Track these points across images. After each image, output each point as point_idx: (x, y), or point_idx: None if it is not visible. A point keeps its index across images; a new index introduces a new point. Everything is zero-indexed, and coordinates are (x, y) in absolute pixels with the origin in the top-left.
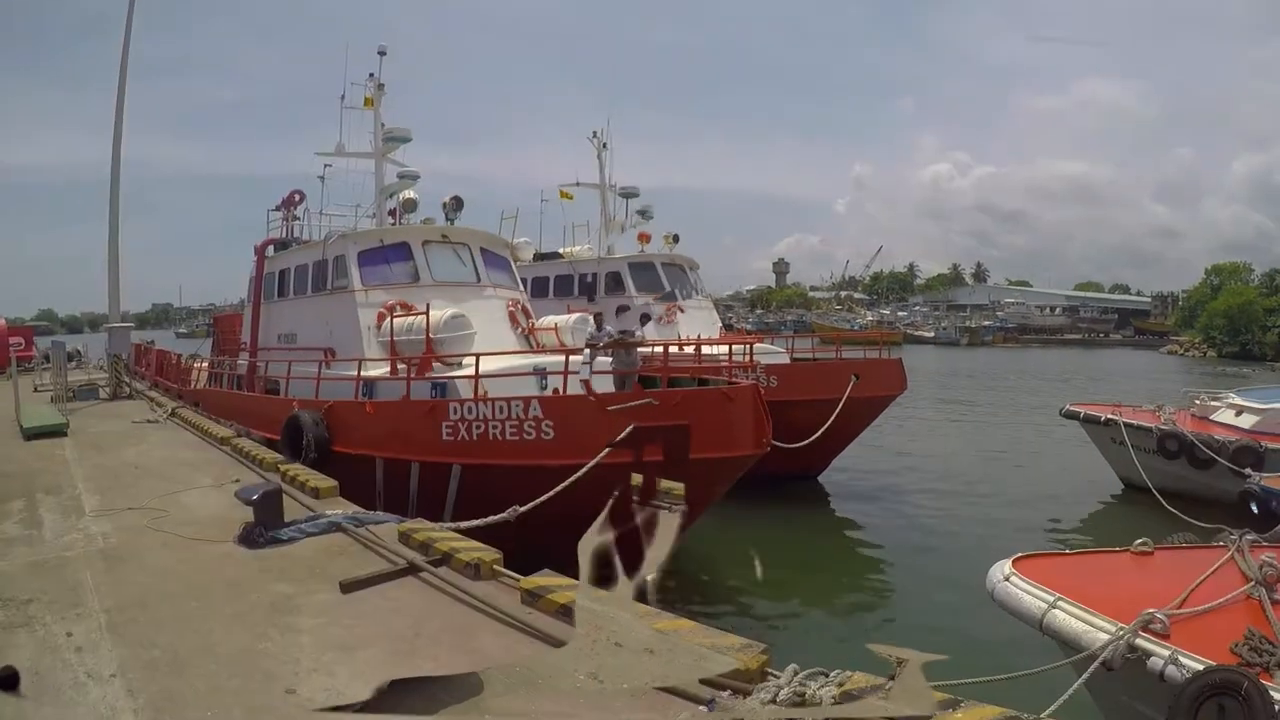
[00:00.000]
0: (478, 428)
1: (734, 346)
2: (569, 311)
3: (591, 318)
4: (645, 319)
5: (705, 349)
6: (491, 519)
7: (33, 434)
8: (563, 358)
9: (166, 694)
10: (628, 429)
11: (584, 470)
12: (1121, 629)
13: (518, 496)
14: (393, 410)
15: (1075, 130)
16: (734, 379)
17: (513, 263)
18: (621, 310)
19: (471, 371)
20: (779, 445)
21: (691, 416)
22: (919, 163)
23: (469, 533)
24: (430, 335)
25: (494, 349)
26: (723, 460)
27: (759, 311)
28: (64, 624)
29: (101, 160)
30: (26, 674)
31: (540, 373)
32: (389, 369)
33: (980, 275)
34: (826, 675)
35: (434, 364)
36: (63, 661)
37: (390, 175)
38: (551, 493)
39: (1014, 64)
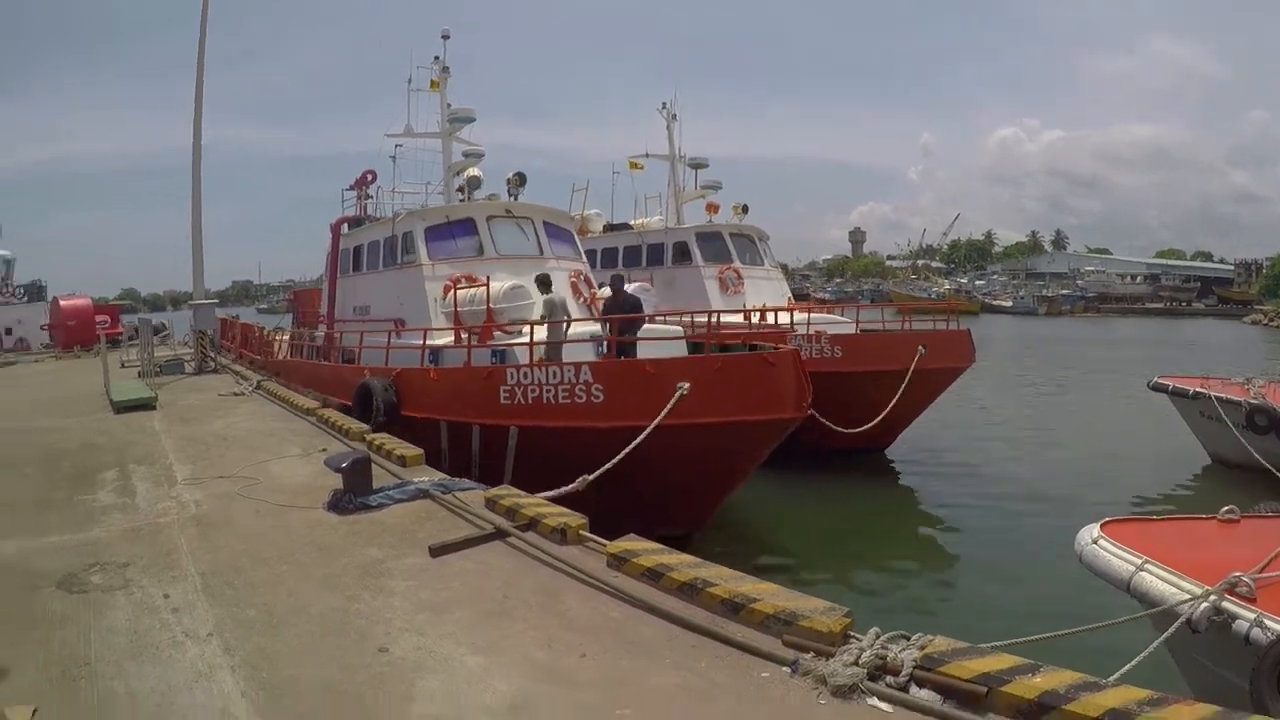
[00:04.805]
0: (533, 392)
1: (771, 316)
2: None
3: (650, 286)
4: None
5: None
6: (561, 490)
7: (123, 407)
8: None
9: (262, 652)
10: (676, 394)
11: (643, 435)
12: (1207, 590)
13: (571, 456)
14: (455, 376)
15: (1145, 93)
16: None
17: (576, 235)
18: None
19: (528, 339)
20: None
21: (734, 380)
22: (986, 128)
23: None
24: (491, 305)
25: None
26: (764, 422)
27: (837, 280)
28: (160, 586)
29: (180, 145)
30: (126, 634)
31: (597, 340)
32: (453, 338)
33: (1059, 243)
34: (908, 638)
35: (496, 333)
36: (161, 622)
37: (457, 153)
38: (618, 458)
39: (1078, 24)
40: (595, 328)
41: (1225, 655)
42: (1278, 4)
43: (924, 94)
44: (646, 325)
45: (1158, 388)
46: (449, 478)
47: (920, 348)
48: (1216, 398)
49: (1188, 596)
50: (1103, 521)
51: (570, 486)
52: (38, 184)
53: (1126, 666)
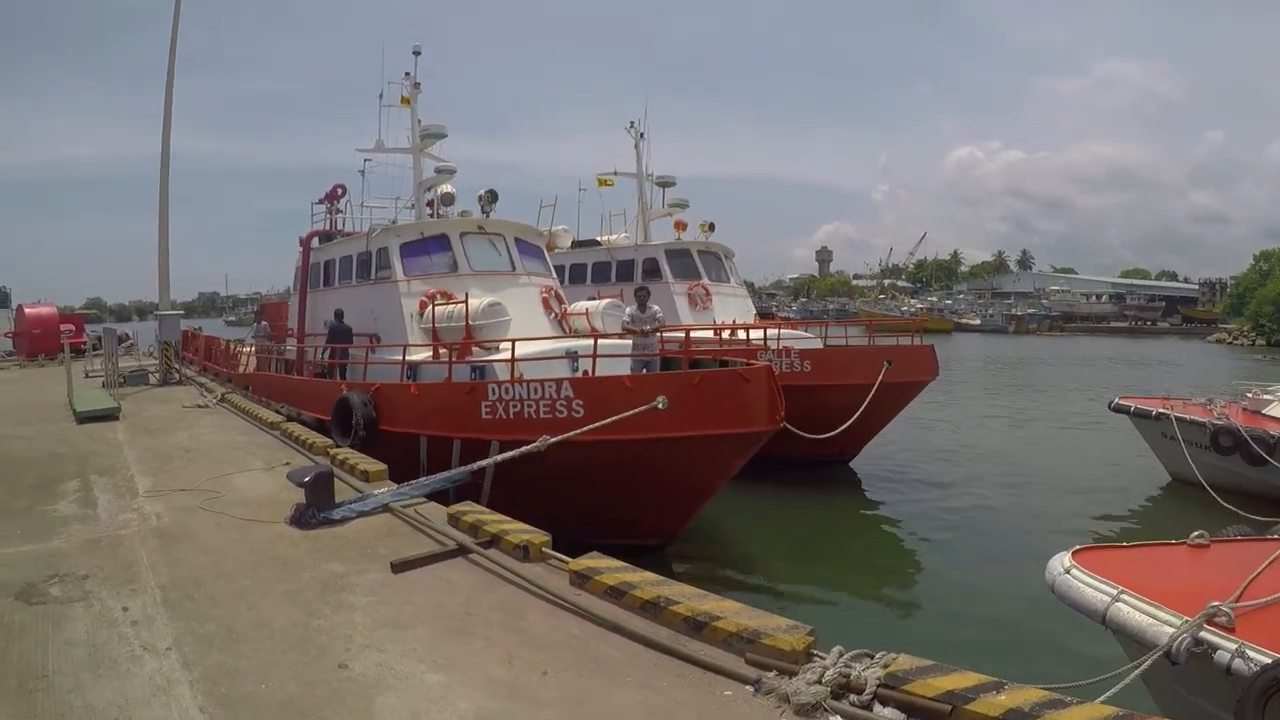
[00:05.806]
0: (514, 407)
1: (751, 332)
2: (599, 296)
3: (621, 302)
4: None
5: (739, 333)
6: (525, 449)
7: (85, 418)
8: (593, 341)
9: (221, 667)
10: (651, 404)
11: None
12: (1187, 622)
13: (551, 469)
14: (436, 392)
15: (1104, 114)
16: (751, 361)
17: (546, 252)
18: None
19: (508, 355)
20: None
21: (711, 395)
22: (945, 149)
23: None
24: (469, 322)
25: (529, 334)
26: (740, 435)
27: (802, 300)
28: (120, 599)
29: (145, 154)
30: (84, 646)
31: (572, 356)
32: (431, 353)
33: (1025, 262)
34: (872, 657)
35: (473, 348)
36: (119, 635)
37: (428, 169)
38: (587, 428)
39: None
40: (570, 344)
41: (1203, 685)
42: (1228, 28)
43: (885, 115)
44: (602, 341)
45: (1119, 409)
46: (408, 482)
47: (885, 362)
48: (1179, 419)
49: (1167, 630)
50: (1073, 550)
51: (533, 445)
52: (2, 190)
53: (1101, 698)
